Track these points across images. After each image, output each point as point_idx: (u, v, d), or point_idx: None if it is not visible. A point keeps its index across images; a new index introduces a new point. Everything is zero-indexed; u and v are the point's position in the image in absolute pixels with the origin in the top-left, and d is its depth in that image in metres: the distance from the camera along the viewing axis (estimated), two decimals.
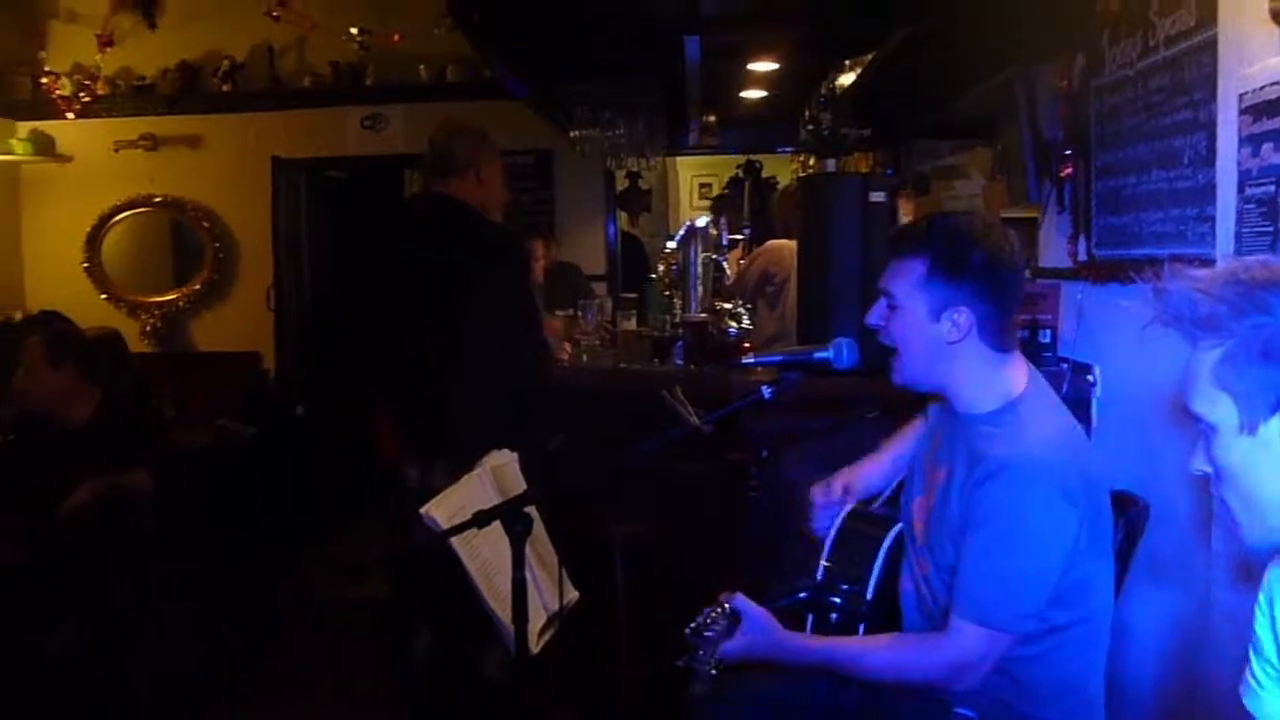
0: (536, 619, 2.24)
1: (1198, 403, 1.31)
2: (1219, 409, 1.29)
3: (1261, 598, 1.45)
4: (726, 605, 2.00)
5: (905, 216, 4.78)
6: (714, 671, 1.93)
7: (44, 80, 6.82)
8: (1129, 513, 2.22)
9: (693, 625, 1.99)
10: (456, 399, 3.20)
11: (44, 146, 7.06)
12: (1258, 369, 1.25)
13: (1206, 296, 1.27)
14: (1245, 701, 1.48)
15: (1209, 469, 1.34)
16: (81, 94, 6.81)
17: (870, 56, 3.80)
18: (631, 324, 4.54)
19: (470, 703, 3.25)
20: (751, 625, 2.01)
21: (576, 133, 5.44)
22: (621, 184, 8.14)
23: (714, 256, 4.52)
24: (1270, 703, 1.45)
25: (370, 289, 3.50)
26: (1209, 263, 2.32)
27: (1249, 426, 1.27)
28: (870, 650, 2.04)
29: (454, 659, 3.28)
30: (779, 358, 2.42)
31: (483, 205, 3.38)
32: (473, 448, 2.54)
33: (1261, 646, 1.45)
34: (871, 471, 2.45)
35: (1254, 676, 1.47)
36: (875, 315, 2.11)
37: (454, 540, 2.08)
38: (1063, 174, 3.27)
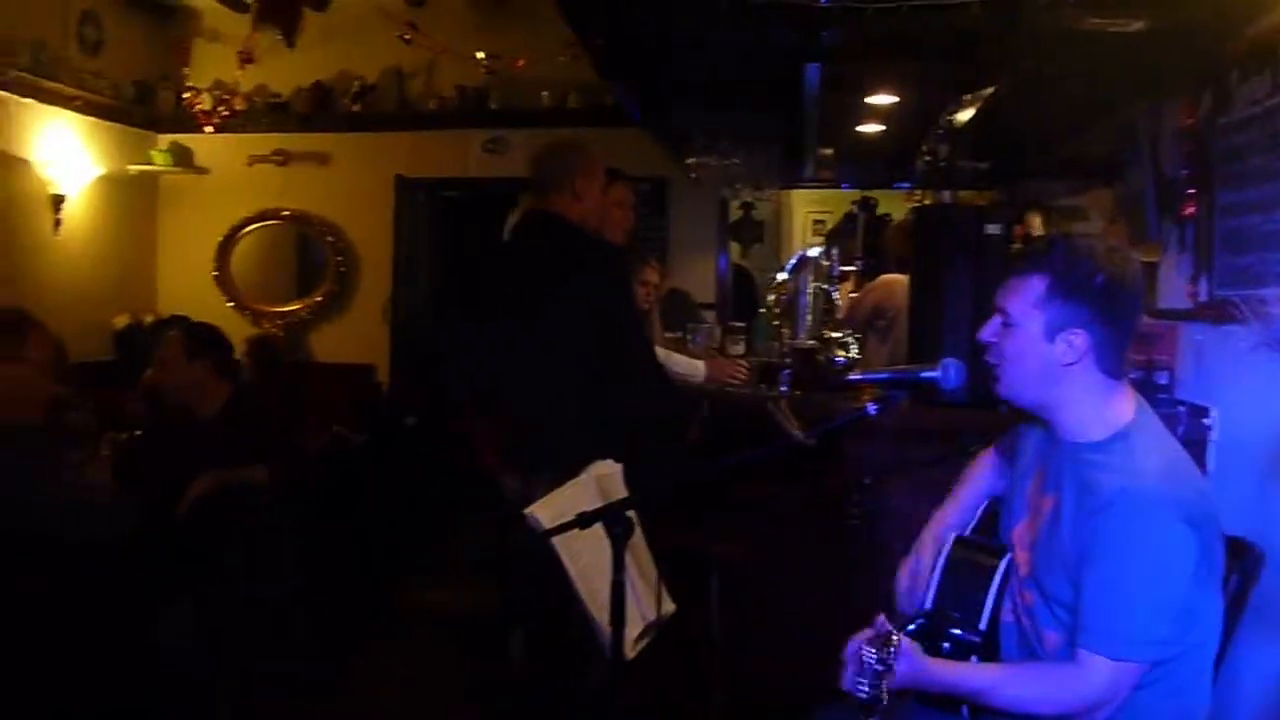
0: (634, 626, 2.28)
1: None
2: None
3: None
4: (897, 636, 1.91)
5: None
6: (885, 699, 1.89)
7: (185, 95, 7.16)
8: (1244, 559, 2.16)
9: (868, 653, 1.94)
10: (552, 412, 3.20)
11: (182, 158, 7.40)
12: None
13: None
14: None
15: None
16: (220, 109, 7.13)
17: (990, 92, 3.78)
18: (740, 349, 4.57)
19: (566, 709, 3.27)
20: (904, 654, 1.93)
21: (694, 160, 5.50)
22: (735, 214, 8.16)
23: (824, 286, 4.53)
24: None
25: (472, 304, 3.55)
26: None
27: None
28: (1002, 681, 1.99)
29: (550, 666, 3.31)
30: (886, 375, 2.41)
31: (583, 220, 3.35)
32: (570, 461, 2.57)
33: None
34: (949, 522, 2.37)
35: None
36: (988, 331, 2.07)
37: (555, 541, 2.13)
38: (1185, 213, 3.22)
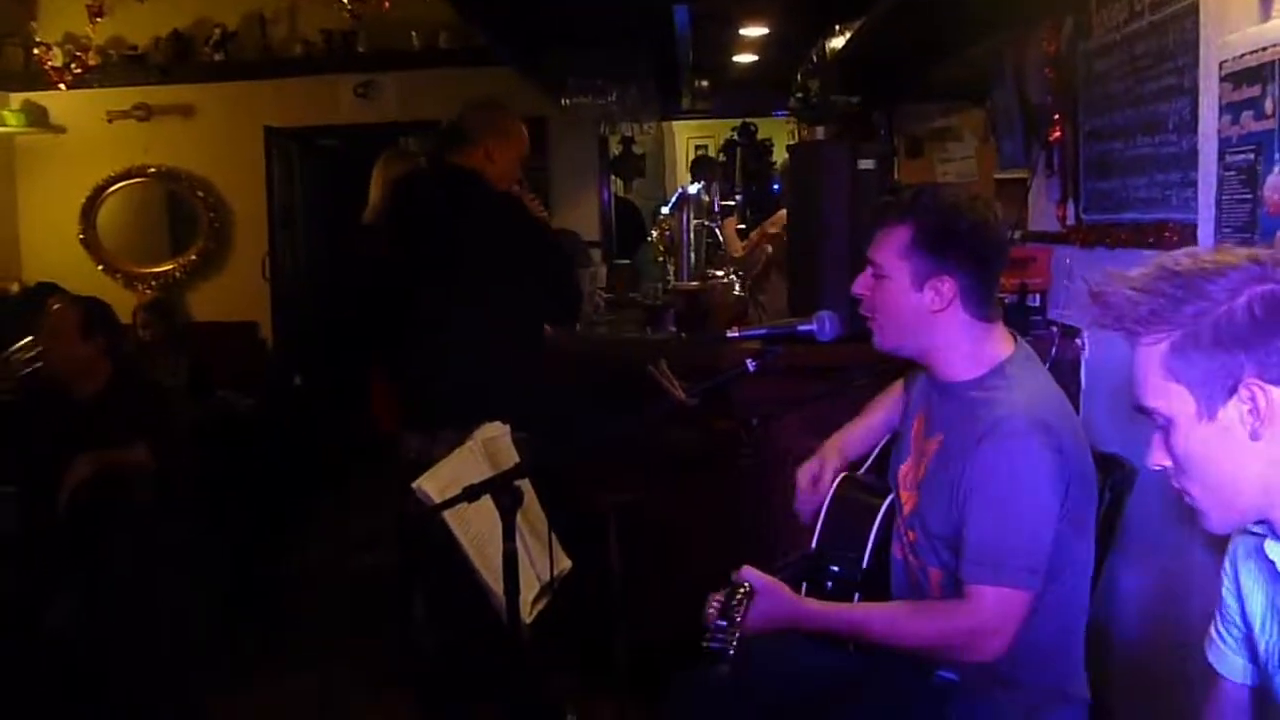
0: (529, 589, 2.28)
1: (1151, 398, 1.33)
2: (1175, 401, 1.30)
3: (1226, 563, 1.50)
4: (745, 585, 1.96)
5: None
6: (733, 650, 1.91)
7: (36, 51, 6.78)
8: (1115, 475, 2.23)
9: (714, 607, 1.97)
10: (456, 366, 3.20)
11: (37, 118, 7.06)
12: (1208, 355, 1.26)
13: (1145, 294, 1.29)
14: (1209, 658, 1.54)
15: (1168, 463, 1.36)
16: (73, 64, 6.77)
17: (860, 21, 3.79)
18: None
19: (473, 671, 3.29)
20: (765, 596, 1.98)
21: (568, 100, 5.43)
22: (615, 149, 8.11)
23: (706, 223, 4.52)
24: (1231, 660, 1.53)
25: (376, 255, 3.51)
26: (1191, 227, 2.35)
27: (1208, 413, 1.29)
28: (888, 617, 2.04)
29: (448, 628, 3.32)
30: (763, 331, 2.43)
31: (494, 181, 3.37)
32: (472, 418, 2.57)
33: (1226, 608, 1.51)
34: (856, 439, 2.46)
35: (1218, 634, 1.53)
36: (860, 284, 2.11)
37: (445, 514, 2.11)
38: (1051, 138, 3.27)
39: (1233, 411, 1.27)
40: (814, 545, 2.26)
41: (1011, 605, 1.92)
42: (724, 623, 1.89)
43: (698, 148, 10.37)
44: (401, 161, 4.26)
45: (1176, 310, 1.27)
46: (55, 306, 3.73)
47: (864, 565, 2.16)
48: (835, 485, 2.32)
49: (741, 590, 1.94)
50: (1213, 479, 1.33)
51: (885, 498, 2.22)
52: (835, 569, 2.16)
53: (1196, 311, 1.26)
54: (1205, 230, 2.29)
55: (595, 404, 3.13)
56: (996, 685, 2.02)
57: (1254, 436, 1.27)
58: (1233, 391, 1.26)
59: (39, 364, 3.75)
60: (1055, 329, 3.21)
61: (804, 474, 2.42)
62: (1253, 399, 1.25)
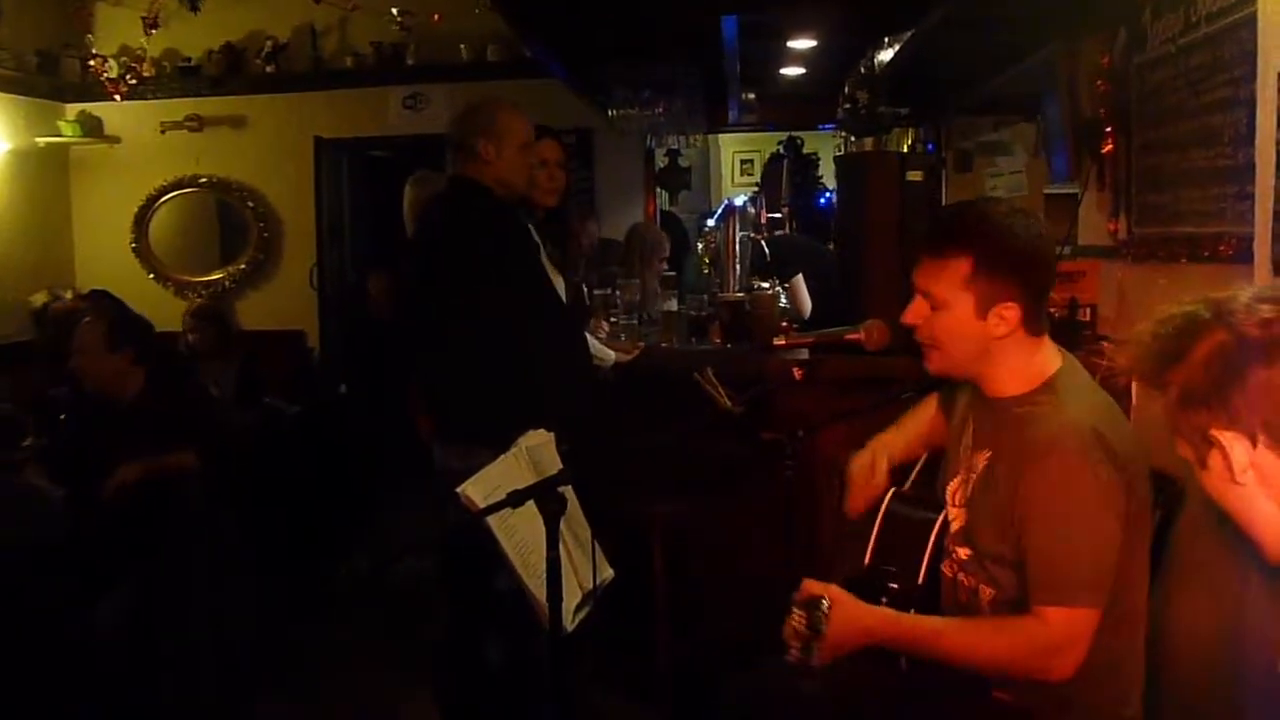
0: (571, 597, 2.26)
1: (1175, 447, 1.40)
2: (1187, 449, 1.38)
3: None
4: (826, 600, 1.91)
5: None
6: (818, 663, 1.89)
7: (91, 63, 6.91)
8: (1167, 493, 2.19)
9: (797, 621, 1.94)
10: (457, 384, 3.19)
11: (92, 128, 7.18)
12: (1182, 415, 1.33)
13: (1146, 351, 1.36)
14: None
15: None
16: (128, 76, 6.90)
17: (910, 34, 3.77)
18: (673, 304, 4.55)
19: (480, 687, 3.29)
20: (839, 607, 1.94)
21: (615, 112, 5.43)
22: (661, 162, 8.11)
23: (753, 235, 4.51)
24: None
25: (399, 276, 3.53)
26: (1247, 240, 2.31)
27: (1201, 463, 1.35)
28: (962, 633, 2.00)
29: (464, 642, 3.33)
30: (810, 339, 2.41)
31: (499, 182, 3.25)
32: (480, 434, 2.57)
33: None
34: (898, 450, 2.43)
35: None
36: (913, 314, 2.08)
37: (489, 519, 2.11)
38: (1103, 151, 3.24)
39: (1218, 460, 1.33)
40: (867, 561, 2.23)
41: (1078, 625, 1.90)
42: (809, 632, 1.87)
43: (743, 161, 10.36)
44: (430, 182, 4.23)
45: (1161, 372, 1.35)
46: (84, 320, 3.78)
47: (919, 582, 2.13)
48: (886, 500, 2.29)
49: (824, 603, 1.91)
50: (1237, 516, 1.38)
51: (938, 513, 2.18)
52: (891, 585, 2.12)
53: (1173, 374, 1.34)
54: (1261, 243, 2.25)
55: (634, 414, 3.11)
56: (1050, 706, 1.99)
57: (1239, 480, 1.32)
58: (1210, 443, 1.32)
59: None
60: (1106, 344, 3.17)
61: (858, 467, 2.39)
62: (1224, 448, 1.31)
